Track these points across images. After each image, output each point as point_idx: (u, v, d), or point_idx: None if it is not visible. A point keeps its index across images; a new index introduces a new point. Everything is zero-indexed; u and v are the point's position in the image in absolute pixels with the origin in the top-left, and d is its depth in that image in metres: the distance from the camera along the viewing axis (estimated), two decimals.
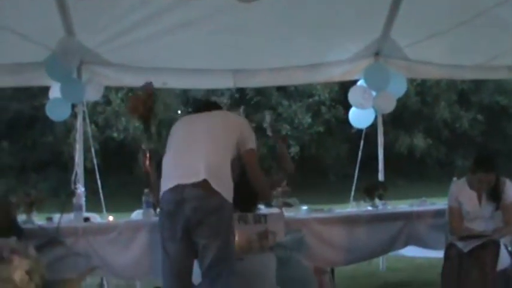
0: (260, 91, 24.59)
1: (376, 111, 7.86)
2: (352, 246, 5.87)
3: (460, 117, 27.64)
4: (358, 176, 7.97)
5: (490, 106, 27.77)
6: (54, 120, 8.09)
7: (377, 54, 7.69)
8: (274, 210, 5.33)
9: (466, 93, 27.86)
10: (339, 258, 5.91)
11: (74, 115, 7.34)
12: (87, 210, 6.12)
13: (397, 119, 22.93)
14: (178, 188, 3.95)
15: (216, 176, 3.98)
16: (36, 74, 6.92)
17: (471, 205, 5.40)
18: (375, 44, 7.53)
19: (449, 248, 5.30)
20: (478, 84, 26.68)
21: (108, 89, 16.06)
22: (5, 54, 6.57)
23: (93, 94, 7.26)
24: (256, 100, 25.01)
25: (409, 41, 7.46)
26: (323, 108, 25.85)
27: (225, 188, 4.00)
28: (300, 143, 25.56)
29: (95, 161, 7.36)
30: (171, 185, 4.00)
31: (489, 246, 5.07)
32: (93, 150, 7.50)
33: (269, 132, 4.97)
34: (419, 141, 26.91)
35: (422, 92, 26.83)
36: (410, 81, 20.36)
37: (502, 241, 5.17)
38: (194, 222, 3.90)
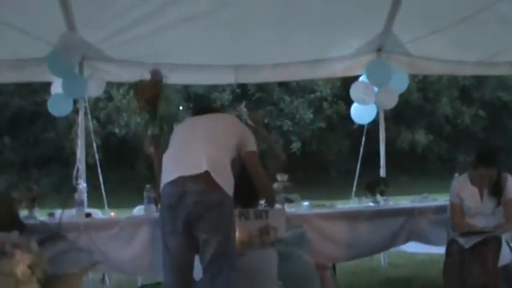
0: (262, 87, 24.61)
1: (377, 107, 7.86)
2: (354, 242, 5.87)
3: (462, 113, 27.66)
4: (359, 171, 7.98)
5: (491, 102, 27.79)
6: (56, 116, 8.10)
7: (379, 50, 7.69)
8: (276, 205, 5.32)
9: (467, 89, 27.88)
10: (341, 254, 5.91)
11: (75, 111, 7.35)
12: (89, 206, 6.12)
13: (399, 115, 22.94)
14: (179, 181, 3.95)
15: (218, 169, 4.00)
16: (38, 70, 6.92)
17: (473, 201, 5.40)
18: (376, 39, 7.53)
19: (450, 244, 5.30)
20: (479, 80, 26.70)
21: (109, 84, 16.09)
22: (7, 49, 6.58)
23: (95, 90, 7.25)
24: (258, 96, 25.05)
25: (411, 36, 7.45)
26: (325, 104, 25.86)
27: (226, 182, 4.00)
28: (302, 138, 25.60)
29: (96, 157, 7.36)
30: (172, 177, 4.00)
31: (491, 242, 5.07)
32: (94, 145, 7.50)
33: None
34: (421, 137, 26.93)
35: (424, 87, 26.86)
36: (412, 77, 20.35)
37: (504, 237, 5.16)
38: (195, 217, 3.91)
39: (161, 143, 4.78)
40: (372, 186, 6.52)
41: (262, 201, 4.69)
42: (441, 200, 6.57)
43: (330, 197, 10.30)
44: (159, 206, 4.84)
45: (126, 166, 23.54)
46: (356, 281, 7.24)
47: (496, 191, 5.37)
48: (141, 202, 5.71)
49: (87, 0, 6.13)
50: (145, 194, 5.49)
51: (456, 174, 5.92)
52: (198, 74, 7.69)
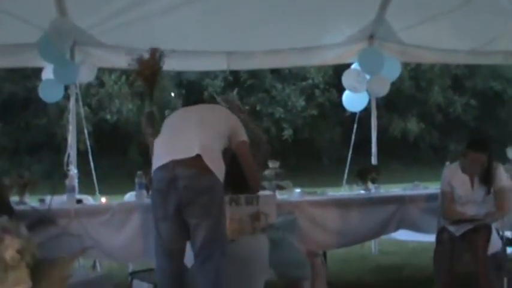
0: (254, 74, 24.59)
1: (369, 95, 7.86)
2: (345, 229, 5.88)
3: (454, 102, 27.73)
4: (351, 159, 7.99)
5: (483, 91, 27.86)
6: (47, 102, 8.07)
7: (371, 37, 7.68)
8: (267, 192, 5.33)
9: (459, 78, 27.93)
10: (331, 241, 5.92)
11: (67, 97, 7.32)
12: (80, 192, 6.11)
13: (391, 103, 22.95)
14: (170, 165, 3.95)
15: (209, 154, 4.00)
16: (29, 55, 6.88)
17: (463, 189, 5.42)
18: (369, 27, 7.52)
19: (441, 232, 5.32)
20: (472, 69, 26.74)
21: (101, 70, 16.01)
22: None
23: (86, 75, 7.23)
24: (250, 83, 25.02)
25: (404, 24, 7.44)
26: (317, 92, 25.87)
27: (218, 167, 4.00)
28: (294, 126, 25.62)
29: (88, 143, 7.35)
30: (163, 161, 4.00)
31: (481, 230, 5.09)
32: (86, 132, 7.49)
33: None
34: (413, 126, 27.00)
35: (416, 76, 26.89)
36: (404, 65, 20.36)
37: (494, 225, 5.19)
38: (186, 202, 3.91)
39: (157, 121, 4.80)
40: (363, 173, 6.54)
41: None
42: (432, 188, 6.58)
43: (322, 184, 10.30)
44: (150, 192, 4.84)
45: (117, 152, 23.49)
46: (347, 268, 7.28)
47: (487, 179, 5.38)
48: (132, 188, 5.71)
49: None
50: (136, 180, 5.48)
51: (447, 163, 5.94)
52: (190, 60, 7.66)
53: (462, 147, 5.67)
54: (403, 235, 7.08)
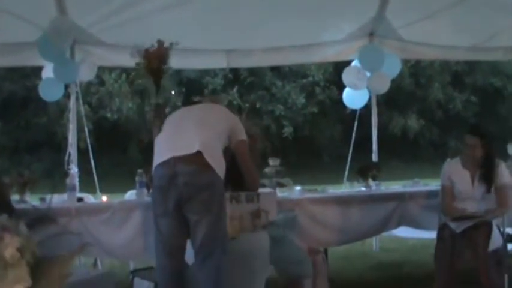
0: (254, 71, 24.55)
1: (370, 92, 7.86)
2: (345, 226, 5.88)
3: (454, 98, 27.67)
4: (351, 156, 8.00)
5: (483, 88, 27.80)
6: (47, 101, 8.07)
7: (371, 34, 7.67)
8: (267, 189, 5.33)
9: (460, 74, 27.88)
10: (332, 239, 5.93)
11: (67, 95, 7.32)
12: (81, 190, 6.12)
13: (391, 100, 22.93)
14: (170, 161, 3.96)
15: (210, 151, 4.01)
16: (29, 54, 6.89)
17: (464, 185, 5.42)
18: (369, 24, 7.52)
19: (442, 229, 5.32)
20: (472, 65, 26.71)
21: (101, 69, 16.00)
22: None
23: (86, 74, 7.23)
24: (250, 81, 24.99)
25: (404, 21, 7.43)
26: (317, 89, 25.83)
27: (218, 164, 4.01)
28: (294, 123, 25.59)
29: (88, 142, 7.35)
30: (164, 157, 4.01)
31: (481, 227, 5.09)
32: (86, 130, 7.50)
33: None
34: (413, 122, 26.94)
35: (416, 73, 26.84)
36: (405, 62, 20.35)
37: (494, 222, 5.19)
38: (186, 198, 3.91)
39: (165, 113, 4.85)
40: (363, 171, 6.54)
41: None
42: (432, 185, 6.59)
43: (322, 181, 10.30)
44: (150, 191, 4.85)
45: (118, 151, 23.48)
46: (348, 265, 7.28)
47: (487, 177, 5.38)
48: (133, 187, 5.71)
49: None
50: (137, 178, 5.49)
51: (448, 159, 5.94)
52: (190, 58, 7.65)
53: (462, 143, 5.67)
54: (403, 232, 7.08)
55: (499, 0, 6.78)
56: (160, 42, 5.19)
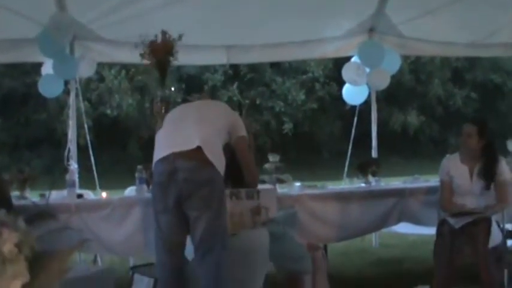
0: (254, 68, 24.56)
1: (369, 88, 7.86)
2: (345, 222, 5.89)
3: (454, 94, 27.68)
4: (351, 153, 7.99)
5: (483, 84, 27.80)
6: (47, 97, 8.07)
7: (371, 30, 7.67)
8: (267, 186, 5.33)
9: (460, 70, 27.88)
10: (332, 235, 5.93)
11: (66, 92, 7.32)
12: (81, 187, 6.12)
13: (391, 96, 22.93)
14: (170, 157, 3.95)
15: (210, 146, 4.00)
16: (29, 50, 6.88)
17: (462, 179, 5.40)
18: (369, 20, 7.51)
19: (441, 225, 5.31)
20: (472, 61, 26.69)
21: (101, 65, 16.00)
22: None
23: (86, 70, 7.23)
24: (250, 77, 24.99)
25: (404, 17, 7.43)
26: (317, 85, 25.83)
27: (218, 160, 4.00)
28: (294, 119, 25.60)
29: (88, 138, 7.35)
30: (164, 153, 4.00)
31: (481, 223, 5.08)
32: (86, 126, 7.49)
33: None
34: (413, 119, 26.96)
35: (416, 69, 26.85)
36: (404, 58, 20.34)
37: (494, 218, 5.18)
38: (186, 194, 3.90)
39: (170, 105, 4.86)
40: (363, 167, 6.54)
41: None
42: (432, 181, 6.58)
43: (322, 177, 10.32)
44: (150, 187, 4.85)
45: (117, 147, 23.48)
46: (347, 261, 7.29)
47: (486, 172, 5.37)
48: (132, 183, 5.71)
49: None
50: (137, 174, 5.49)
51: (448, 155, 5.94)
52: (190, 54, 7.64)
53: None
54: (403, 228, 7.08)
55: None
56: (164, 33, 5.20)
